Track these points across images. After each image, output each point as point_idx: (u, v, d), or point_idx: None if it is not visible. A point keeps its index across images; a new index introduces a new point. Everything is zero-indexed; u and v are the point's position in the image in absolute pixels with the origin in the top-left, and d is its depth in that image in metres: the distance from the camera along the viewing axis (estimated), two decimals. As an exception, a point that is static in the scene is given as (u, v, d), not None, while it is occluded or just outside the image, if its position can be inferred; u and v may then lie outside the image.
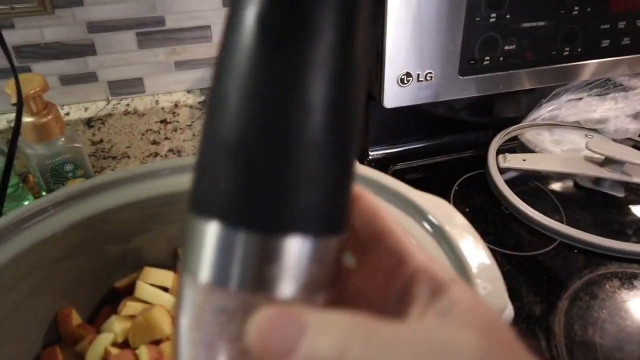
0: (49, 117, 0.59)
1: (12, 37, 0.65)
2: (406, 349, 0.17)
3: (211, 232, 0.18)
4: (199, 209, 0.19)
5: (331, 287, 0.21)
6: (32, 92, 0.56)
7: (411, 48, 0.68)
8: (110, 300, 0.48)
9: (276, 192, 0.18)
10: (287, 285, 0.19)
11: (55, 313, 0.45)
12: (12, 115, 0.69)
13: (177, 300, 0.20)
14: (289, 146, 0.18)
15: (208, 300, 0.19)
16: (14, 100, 0.55)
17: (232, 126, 0.18)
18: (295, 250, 0.19)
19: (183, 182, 0.46)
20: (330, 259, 0.20)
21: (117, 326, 0.44)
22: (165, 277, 0.47)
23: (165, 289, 0.47)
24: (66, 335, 0.44)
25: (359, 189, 0.22)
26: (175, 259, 0.50)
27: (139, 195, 0.46)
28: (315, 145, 0.18)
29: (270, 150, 0.18)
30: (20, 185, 0.69)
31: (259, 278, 0.18)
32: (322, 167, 0.18)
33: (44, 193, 0.67)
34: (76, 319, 0.45)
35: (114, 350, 0.42)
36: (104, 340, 0.43)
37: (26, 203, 0.68)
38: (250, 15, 0.17)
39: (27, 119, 0.58)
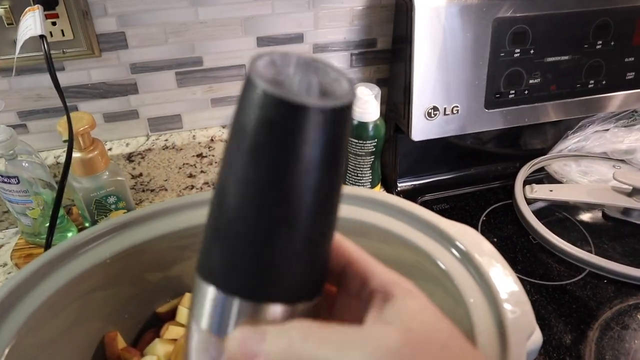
0: (96, 152, 0.63)
1: (62, 79, 0.70)
2: (334, 343, 0.21)
3: (209, 293, 0.24)
4: (201, 273, 0.25)
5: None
6: (81, 129, 0.60)
7: (438, 83, 0.71)
8: (152, 325, 0.50)
9: (257, 271, 0.23)
10: None
11: (101, 337, 0.47)
12: (59, 152, 0.74)
13: (186, 337, 0.27)
14: (270, 237, 0.22)
15: (205, 340, 0.26)
16: (65, 137, 0.59)
17: (224, 217, 0.23)
18: (273, 312, 0.24)
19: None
20: (304, 314, 0.25)
21: (160, 349, 0.46)
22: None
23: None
24: (112, 358, 0.46)
25: None
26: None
27: (177, 226, 0.49)
28: (291, 237, 0.23)
29: (252, 237, 0.22)
30: (65, 217, 0.73)
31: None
32: (298, 254, 0.23)
33: (87, 224, 0.71)
34: (121, 342, 0.47)
35: (157, 373, 0.44)
36: (148, 362, 0.45)
37: (70, 234, 0.72)
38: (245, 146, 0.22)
39: (75, 154, 0.62)
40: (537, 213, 0.76)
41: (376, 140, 0.67)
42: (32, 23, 0.58)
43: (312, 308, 0.25)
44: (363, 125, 0.66)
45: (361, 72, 0.80)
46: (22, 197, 0.66)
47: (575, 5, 0.74)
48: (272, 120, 0.20)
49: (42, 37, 0.57)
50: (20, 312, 0.39)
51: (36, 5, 0.60)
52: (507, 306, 0.38)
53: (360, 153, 0.68)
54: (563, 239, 0.71)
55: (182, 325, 0.48)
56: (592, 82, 0.79)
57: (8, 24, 0.64)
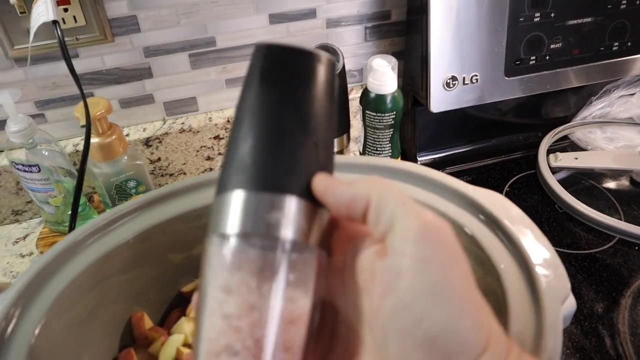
0: (113, 137, 0.63)
1: (76, 66, 0.69)
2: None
3: (235, 198, 0.25)
4: (224, 187, 0.26)
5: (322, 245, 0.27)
6: (98, 114, 0.60)
7: (455, 52, 0.69)
8: (178, 304, 0.50)
9: (280, 166, 0.26)
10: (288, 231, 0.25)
11: (128, 317, 0.47)
12: (78, 139, 0.74)
13: (205, 259, 0.26)
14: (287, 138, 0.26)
15: (232, 249, 0.25)
16: (83, 122, 0.59)
17: (251, 128, 0.26)
18: (296, 205, 0.25)
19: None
20: (316, 218, 0.26)
21: (186, 327, 0.46)
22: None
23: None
24: (140, 337, 0.46)
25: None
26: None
27: (197, 204, 0.49)
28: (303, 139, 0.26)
29: (273, 138, 0.26)
30: (87, 204, 0.73)
31: (269, 225, 0.25)
32: (308, 153, 0.26)
33: (107, 210, 0.71)
34: (148, 322, 0.47)
35: (185, 350, 0.44)
36: (176, 341, 0.45)
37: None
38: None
39: (93, 140, 0.62)
40: (562, 182, 0.74)
41: (395, 112, 0.66)
42: (44, 9, 0.57)
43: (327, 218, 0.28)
44: (381, 97, 0.65)
45: (375, 45, 0.79)
46: (44, 185, 0.67)
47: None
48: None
49: (54, 22, 0.56)
50: (48, 293, 0.39)
51: (47, -9, 0.59)
52: (539, 270, 0.37)
53: (378, 126, 0.67)
54: (591, 207, 0.69)
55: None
56: (616, 44, 0.76)
57: (21, 13, 0.64)
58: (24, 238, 0.75)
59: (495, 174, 0.80)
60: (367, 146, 0.70)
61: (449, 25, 0.67)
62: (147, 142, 0.75)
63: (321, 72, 0.27)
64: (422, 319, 0.22)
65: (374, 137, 0.68)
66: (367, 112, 0.66)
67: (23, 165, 0.65)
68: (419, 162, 0.82)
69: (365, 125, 0.68)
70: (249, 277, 0.24)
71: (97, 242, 0.44)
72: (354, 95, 0.79)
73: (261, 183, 0.25)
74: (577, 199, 0.71)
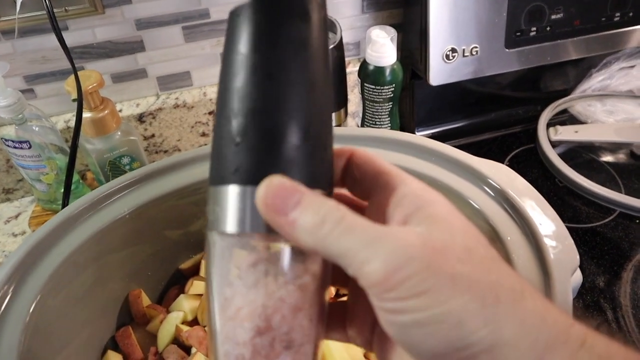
0: (106, 111, 0.61)
1: (66, 39, 0.67)
2: (360, 236, 0.20)
3: (230, 193, 0.23)
4: (217, 180, 0.23)
5: None
6: (90, 87, 0.58)
7: (455, 23, 0.68)
8: (176, 282, 0.49)
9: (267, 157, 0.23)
10: None
11: (126, 295, 0.46)
12: (69, 116, 0.72)
13: (208, 251, 0.24)
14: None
15: (231, 244, 0.23)
16: (74, 96, 0.57)
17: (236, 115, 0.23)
18: None
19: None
20: None
21: (185, 305, 0.45)
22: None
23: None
24: (137, 315, 0.46)
25: (348, 148, 0.26)
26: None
27: (193, 179, 0.47)
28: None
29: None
30: (80, 182, 0.72)
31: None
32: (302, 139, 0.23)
33: (103, 187, 0.70)
34: (146, 300, 0.46)
35: (185, 328, 0.43)
36: (175, 318, 0.44)
37: (86, 198, 0.71)
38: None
39: (85, 115, 0.60)
40: (562, 156, 0.74)
41: (394, 85, 0.64)
42: (30, -22, 0.55)
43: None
44: (380, 69, 0.63)
45: (373, 17, 0.77)
46: (35, 162, 0.65)
47: None
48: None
49: (42, -8, 0.54)
50: (43, 269, 0.38)
51: (33, -41, 0.57)
52: (547, 241, 0.36)
53: (377, 99, 0.65)
54: (591, 180, 0.68)
55: (207, 279, 0.47)
56: (618, 14, 0.75)
57: (6, -17, 0.62)
58: (16, 217, 0.74)
59: (495, 148, 0.79)
60: (366, 120, 0.68)
61: (449, -5, 0.66)
62: (140, 118, 0.73)
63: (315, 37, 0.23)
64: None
65: (372, 111, 0.67)
66: (365, 84, 0.65)
67: (13, 141, 0.63)
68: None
69: (363, 99, 0.67)
70: (250, 274, 0.23)
71: (91, 218, 0.43)
72: (351, 69, 0.77)
73: (257, 179, 0.22)
74: (578, 172, 0.70)
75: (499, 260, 0.22)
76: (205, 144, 0.79)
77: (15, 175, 0.74)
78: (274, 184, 0.21)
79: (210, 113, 0.76)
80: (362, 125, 0.70)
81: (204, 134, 0.78)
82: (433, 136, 0.81)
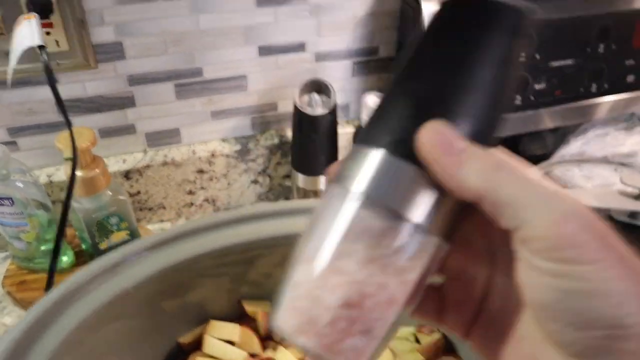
0: (96, 170, 0.59)
1: (54, 93, 0.66)
2: (539, 189, 0.20)
3: (375, 156, 0.22)
4: (373, 141, 0.23)
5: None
6: (83, 146, 0.57)
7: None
8: (176, 357, 0.47)
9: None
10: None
11: (122, 370, 0.44)
12: (52, 169, 0.70)
13: (325, 204, 0.23)
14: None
15: (364, 209, 0.22)
16: (67, 154, 0.56)
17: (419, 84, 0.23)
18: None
19: (229, 236, 0.46)
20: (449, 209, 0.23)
21: (187, 381, 0.43)
22: (232, 330, 0.46)
23: (231, 343, 0.46)
24: (134, 392, 0.43)
25: None
26: (240, 310, 0.49)
27: (192, 252, 0.46)
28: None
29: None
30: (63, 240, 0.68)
31: (405, 198, 0.22)
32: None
33: (85, 246, 0.67)
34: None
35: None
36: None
37: (65, 258, 0.68)
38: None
39: (76, 173, 0.58)
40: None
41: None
42: (28, 32, 0.54)
43: None
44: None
45: (363, 81, 0.78)
46: (16, 219, 0.62)
47: (578, 10, 0.74)
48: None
49: (41, 47, 0.53)
50: (38, 352, 0.36)
51: (32, 14, 0.56)
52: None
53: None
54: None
55: (209, 356, 0.45)
56: (594, 85, 0.79)
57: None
58: (-13, 275, 0.70)
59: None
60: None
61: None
62: (127, 175, 0.71)
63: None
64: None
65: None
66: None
67: (-6, 198, 0.60)
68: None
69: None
70: (369, 246, 0.22)
71: (87, 295, 0.40)
72: (341, 131, 0.78)
73: (409, 153, 0.21)
74: None
75: None
76: (192, 203, 0.77)
77: (-12, 231, 0.70)
78: (439, 127, 0.21)
79: (198, 171, 0.75)
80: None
81: (190, 192, 0.76)
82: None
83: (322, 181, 0.72)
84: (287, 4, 0.68)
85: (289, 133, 0.77)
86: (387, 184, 0.22)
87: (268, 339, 0.48)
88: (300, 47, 0.72)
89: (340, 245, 0.22)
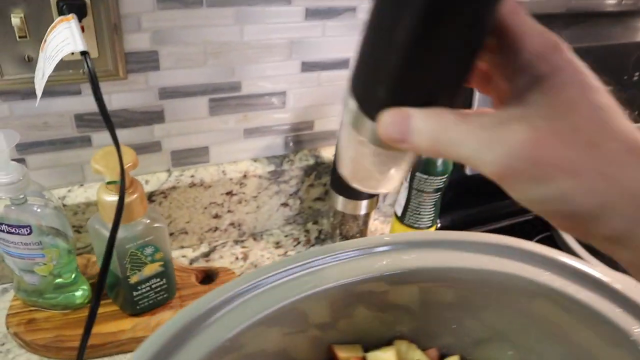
0: (135, 195, 0.52)
1: (76, 105, 0.58)
2: (474, 138, 0.23)
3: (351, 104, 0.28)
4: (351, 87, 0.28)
5: None
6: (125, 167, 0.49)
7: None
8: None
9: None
10: None
11: None
12: (63, 191, 0.62)
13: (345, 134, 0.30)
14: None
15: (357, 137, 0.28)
16: (110, 177, 0.48)
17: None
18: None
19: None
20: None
21: None
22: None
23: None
24: None
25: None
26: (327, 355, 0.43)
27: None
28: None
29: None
30: (79, 273, 0.60)
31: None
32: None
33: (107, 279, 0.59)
34: None
35: None
36: None
37: (79, 293, 0.60)
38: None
39: (110, 198, 0.51)
40: (581, 242, 0.74)
41: (446, 175, 0.61)
42: (69, 36, 0.47)
43: None
44: (433, 160, 0.60)
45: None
46: (32, 250, 0.54)
47: (616, 38, 0.73)
48: None
49: (84, 53, 0.46)
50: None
51: (70, 15, 0.49)
52: None
53: (427, 189, 0.62)
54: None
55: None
56: (626, 112, 0.78)
57: (20, 37, 0.52)
58: (-16, 313, 0.60)
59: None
60: (409, 209, 0.64)
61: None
62: (150, 197, 0.64)
63: None
64: None
65: (419, 200, 0.63)
66: (417, 174, 0.61)
67: (9, 225, 0.52)
68: (439, 224, 0.78)
69: (411, 188, 0.63)
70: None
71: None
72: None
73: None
74: (597, 258, 0.70)
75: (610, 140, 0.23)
76: (216, 228, 0.71)
77: (-14, 260, 0.61)
78: (386, 120, 0.25)
79: (227, 193, 0.68)
80: (403, 214, 0.65)
81: (216, 216, 0.69)
82: (453, 224, 0.79)
83: (363, 206, 0.67)
84: (336, 18, 0.63)
85: (323, 153, 0.72)
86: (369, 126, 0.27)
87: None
88: (344, 64, 0.67)
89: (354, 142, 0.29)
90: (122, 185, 0.46)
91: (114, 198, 0.51)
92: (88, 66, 0.46)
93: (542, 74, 0.23)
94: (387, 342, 0.46)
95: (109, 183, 0.49)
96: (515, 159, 0.22)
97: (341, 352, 0.43)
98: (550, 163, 0.22)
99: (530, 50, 0.24)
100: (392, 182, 0.32)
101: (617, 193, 0.22)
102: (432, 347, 0.47)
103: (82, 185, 0.64)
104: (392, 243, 0.43)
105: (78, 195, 0.62)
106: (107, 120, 0.46)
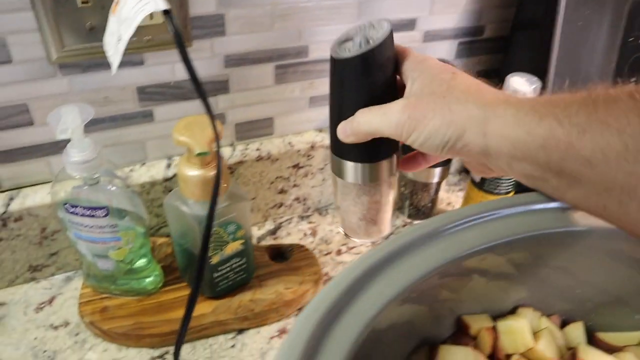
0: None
1: (138, 78, 0.54)
2: (371, 115, 0.37)
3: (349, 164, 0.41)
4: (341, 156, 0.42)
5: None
6: (209, 140, 0.46)
7: (573, 71, 0.63)
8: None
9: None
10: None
11: None
12: (125, 171, 0.58)
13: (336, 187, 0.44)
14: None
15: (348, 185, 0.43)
16: (199, 149, 0.44)
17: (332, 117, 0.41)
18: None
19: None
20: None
21: None
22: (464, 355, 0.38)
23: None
24: None
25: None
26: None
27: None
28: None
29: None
30: (152, 257, 0.56)
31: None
32: None
33: (179, 262, 0.55)
34: None
35: None
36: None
37: (148, 280, 0.56)
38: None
39: (193, 173, 0.47)
40: None
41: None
42: (148, -4, 0.42)
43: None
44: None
45: (464, 63, 0.71)
46: (108, 234, 0.50)
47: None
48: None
49: (166, 12, 0.42)
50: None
51: (146, -27, 0.44)
52: None
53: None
54: None
55: None
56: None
57: (82, 3, 0.48)
58: (50, 302, 0.57)
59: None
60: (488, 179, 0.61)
61: (573, 42, 0.61)
62: (216, 173, 0.60)
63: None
64: None
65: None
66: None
67: (84, 207, 0.48)
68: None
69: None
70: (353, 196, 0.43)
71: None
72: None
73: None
74: None
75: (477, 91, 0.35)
76: (281, 204, 0.67)
77: (48, 248, 0.57)
78: (340, 126, 0.39)
79: (294, 166, 0.64)
80: (483, 180, 0.62)
81: (282, 191, 0.66)
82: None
83: (436, 173, 0.64)
84: (408, -28, 0.59)
85: (389, 122, 0.68)
86: (356, 173, 0.41)
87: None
88: (410, 25, 0.63)
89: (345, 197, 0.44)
90: (219, 156, 0.42)
91: (197, 172, 0.47)
92: (174, 26, 0.41)
93: (415, 77, 0.36)
94: (510, 311, 0.43)
95: (198, 154, 0.45)
96: (397, 119, 0.34)
97: (473, 323, 0.40)
98: (419, 114, 0.34)
99: (409, 67, 0.37)
100: (381, 225, 0.45)
101: (465, 117, 0.32)
102: (553, 314, 0.44)
103: (144, 163, 0.60)
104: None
105: (142, 175, 0.58)
106: (198, 85, 0.42)
